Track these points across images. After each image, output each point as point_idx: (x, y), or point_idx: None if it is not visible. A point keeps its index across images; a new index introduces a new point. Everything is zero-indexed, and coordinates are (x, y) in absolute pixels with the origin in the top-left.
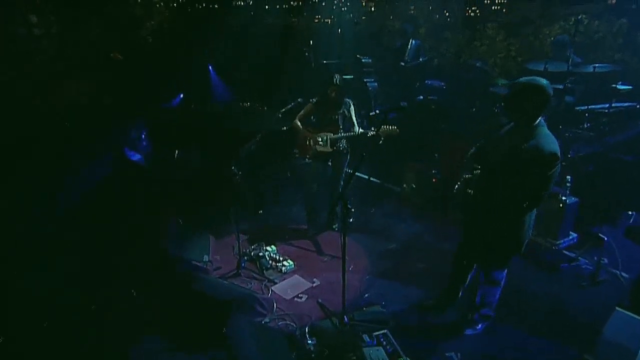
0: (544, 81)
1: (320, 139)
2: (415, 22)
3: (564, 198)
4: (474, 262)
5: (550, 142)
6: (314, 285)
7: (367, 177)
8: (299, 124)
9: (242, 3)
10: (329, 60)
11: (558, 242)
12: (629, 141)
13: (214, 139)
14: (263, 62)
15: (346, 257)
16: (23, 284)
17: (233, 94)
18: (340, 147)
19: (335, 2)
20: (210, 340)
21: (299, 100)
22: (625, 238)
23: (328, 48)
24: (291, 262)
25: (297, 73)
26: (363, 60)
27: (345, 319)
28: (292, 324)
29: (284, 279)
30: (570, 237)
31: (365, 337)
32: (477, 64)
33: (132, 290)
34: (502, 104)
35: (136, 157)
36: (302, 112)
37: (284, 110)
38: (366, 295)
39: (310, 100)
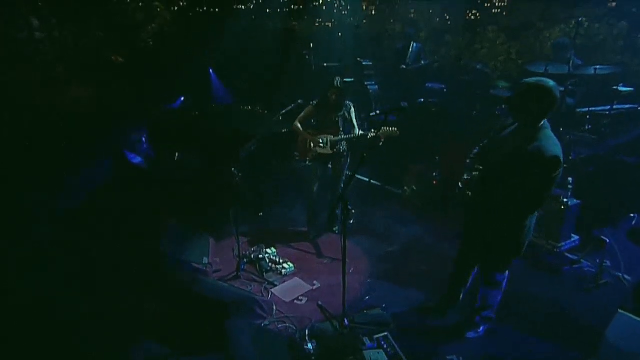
0: (550, 82)
1: (320, 141)
2: (416, 26)
3: (565, 200)
4: (475, 263)
5: (553, 144)
6: (314, 287)
7: (367, 179)
8: (299, 125)
9: (243, 7)
10: (330, 63)
11: (560, 245)
12: (630, 143)
13: (214, 141)
14: (263, 65)
15: (346, 259)
16: (22, 285)
17: (233, 96)
18: (340, 149)
19: (336, 5)
20: (209, 342)
21: (298, 101)
22: (627, 240)
23: (328, 51)
24: (291, 265)
25: (298, 76)
26: (363, 62)
27: (346, 321)
28: (291, 326)
29: (284, 281)
30: (572, 240)
31: (366, 339)
32: (478, 66)
33: (132, 292)
34: (507, 104)
35: (136, 159)
36: (302, 114)
37: (283, 111)
38: (366, 297)
39: (311, 102)
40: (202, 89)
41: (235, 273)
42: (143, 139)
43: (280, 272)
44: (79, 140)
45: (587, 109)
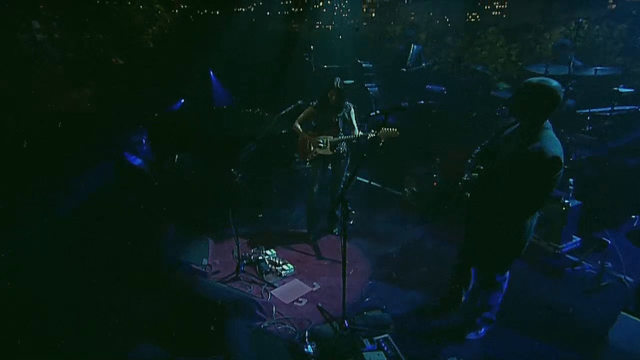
0: (554, 83)
1: (320, 142)
2: (417, 28)
3: (566, 201)
4: (476, 265)
5: (554, 145)
6: (314, 289)
7: (367, 181)
8: (299, 126)
9: (243, 9)
10: (330, 65)
11: (561, 246)
12: (631, 144)
13: (214, 143)
14: (264, 67)
15: (346, 261)
16: (21, 286)
17: (233, 98)
18: (340, 150)
19: (336, 8)
20: (208, 344)
21: (298, 102)
22: (629, 242)
23: (329, 53)
24: (291, 266)
25: (298, 78)
26: (364, 65)
27: (346, 323)
28: (291, 328)
29: (284, 283)
30: (574, 241)
31: (366, 341)
32: (478, 68)
33: (131, 294)
34: (510, 103)
35: (137, 161)
36: (302, 115)
37: (283, 112)
38: (367, 299)
39: (311, 103)
40: (202, 91)
41: (234, 275)
42: (143, 140)
43: (280, 273)
44: (80, 142)
45: (587, 110)
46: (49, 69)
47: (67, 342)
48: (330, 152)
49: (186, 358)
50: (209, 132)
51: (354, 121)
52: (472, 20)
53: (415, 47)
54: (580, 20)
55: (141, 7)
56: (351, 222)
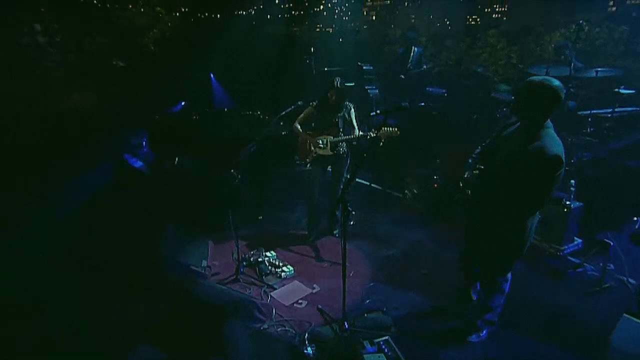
0: (555, 82)
1: (320, 142)
2: (417, 31)
3: (568, 203)
4: (477, 266)
5: (555, 144)
6: (314, 291)
7: (368, 183)
8: (298, 127)
9: (244, 12)
10: (331, 68)
11: (563, 248)
12: (633, 146)
13: (214, 145)
14: (264, 69)
15: (347, 263)
16: (21, 287)
17: (234, 101)
18: (340, 150)
19: (337, 11)
20: (207, 346)
21: (299, 103)
22: (631, 244)
23: (329, 56)
24: (291, 268)
25: (298, 80)
26: (364, 67)
27: (346, 325)
28: (291, 330)
29: (284, 285)
30: (575, 243)
31: (367, 343)
32: (479, 69)
33: (130, 295)
34: (511, 102)
35: (137, 163)
36: (302, 115)
37: (283, 113)
38: (367, 301)
39: (311, 103)
40: (203, 94)
41: (234, 276)
42: (143, 143)
43: (280, 275)
44: (80, 143)
45: (589, 112)
46: (50, 71)
47: (67, 342)
48: (331, 153)
49: (185, 359)
50: (209, 134)
51: (354, 121)
52: (473, 22)
53: (416, 49)
54: (580, 21)
55: (142, 9)
56: (352, 223)
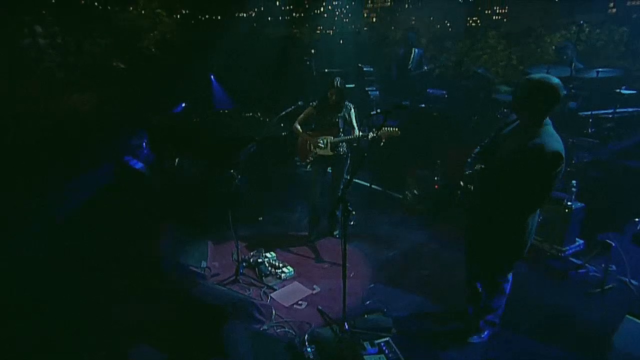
0: (555, 79)
1: (320, 142)
2: (417, 32)
3: (569, 203)
4: (478, 267)
5: (555, 141)
6: (314, 292)
7: (368, 184)
8: (298, 127)
9: (245, 14)
10: (331, 70)
11: (564, 249)
12: (634, 146)
13: (214, 146)
14: (265, 71)
15: (347, 264)
16: (20, 288)
17: (234, 102)
18: (340, 151)
19: (337, 13)
20: (207, 347)
21: (299, 103)
22: (633, 244)
23: (330, 57)
24: (291, 269)
25: (299, 82)
26: (365, 69)
27: (346, 326)
28: (291, 331)
29: (283, 286)
30: (577, 244)
31: (367, 345)
32: (479, 70)
33: (130, 296)
34: (511, 100)
35: (138, 165)
36: (302, 115)
37: (283, 113)
38: (368, 302)
39: (311, 103)
40: (203, 95)
41: (234, 277)
42: (144, 144)
43: (280, 276)
44: (81, 144)
45: (590, 112)
46: (50, 72)
47: (67, 342)
48: (331, 153)
49: None
50: (209, 135)
51: (354, 121)
52: (473, 24)
53: (416, 51)
54: (581, 22)
55: (143, 12)
56: (352, 223)
